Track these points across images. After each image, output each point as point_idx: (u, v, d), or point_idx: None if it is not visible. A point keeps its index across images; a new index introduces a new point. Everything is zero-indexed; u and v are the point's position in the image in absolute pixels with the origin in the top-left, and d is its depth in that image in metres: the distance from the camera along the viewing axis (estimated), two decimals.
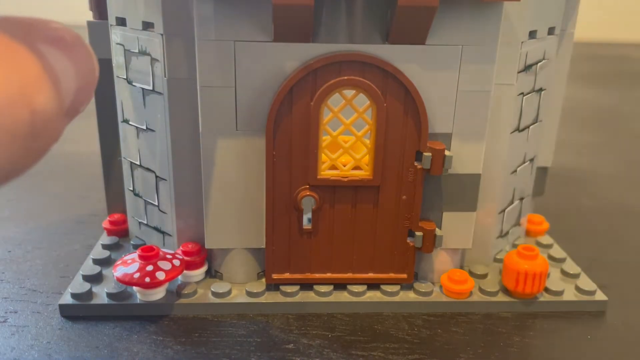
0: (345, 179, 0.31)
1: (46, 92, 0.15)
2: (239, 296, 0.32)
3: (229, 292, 0.32)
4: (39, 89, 0.15)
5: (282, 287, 0.33)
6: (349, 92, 0.30)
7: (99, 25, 0.35)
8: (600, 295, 0.34)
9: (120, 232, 0.39)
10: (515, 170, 0.36)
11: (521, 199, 0.38)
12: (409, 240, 0.32)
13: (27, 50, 0.15)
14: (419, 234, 0.32)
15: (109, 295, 0.32)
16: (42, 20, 0.16)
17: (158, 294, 0.32)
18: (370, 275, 0.33)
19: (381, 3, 0.28)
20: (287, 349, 0.29)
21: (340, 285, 0.33)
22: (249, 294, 0.32)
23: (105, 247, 0.37)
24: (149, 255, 0.31)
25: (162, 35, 0.30)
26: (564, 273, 0.36)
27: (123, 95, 0.34)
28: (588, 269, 0.36)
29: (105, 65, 0.35)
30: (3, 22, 0.15)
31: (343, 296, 0.33)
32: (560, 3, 0.35)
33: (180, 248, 0.33)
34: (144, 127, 0.33)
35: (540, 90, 0.36)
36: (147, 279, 0.30)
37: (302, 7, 0.26)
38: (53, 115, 0.15)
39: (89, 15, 0.36)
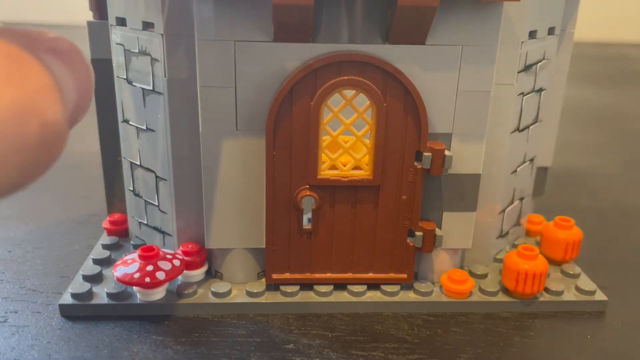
0: (345, 179, 0.31)
1: (55, 102, 0.15)
2: (239, 296, 0.32)
3: (229, 292, 0.32)
4: (48, 99, 0.15)
5: (282, 287, 0.33)
6: (349, 92, 0.30)
7: (99, 25, 0.35)
8: (600, 295, 0.34)
9: (120, 232, 0.39)
10: (515, 170, 0.36)
11: (521, 199, 0.38)
12: (409, 240, 0.32)
13: (34, 61, 0.15)
14: (419, 234, 0.32)
15: (109, 295, 0.32)
16: (39, 31, 0.16)
17: (158, 294, 0.32)
18: (370, 275, 0.33)
19: (381, 3, 0.28)
20: (287, 349, 0.29)
21: (340, 285, 0.33)
22: (249, 294, 0.32)
23: (105, 247, 0.37)
24: (149, 255, 0.31)
25: (162, 35, 0.30)
26: (564, 273, 0.36)
27: (123, 95, 0.34)
28: (588, 269, 0.36)
29: (106, 65, 0.35)
30: (6, 33, 0.15)
31: (343, 296, 0.33)
32: (560, 3, 0.35)
33: (180, 248, 0.33)
34: (144, 127, 0.33)
35: (540, 90, 0.36)
36: (147, 279, 0.30)
37: (302, 7, 0.26)
38: (61, 125, 0.15)
39: (88, 15, 0.36)
